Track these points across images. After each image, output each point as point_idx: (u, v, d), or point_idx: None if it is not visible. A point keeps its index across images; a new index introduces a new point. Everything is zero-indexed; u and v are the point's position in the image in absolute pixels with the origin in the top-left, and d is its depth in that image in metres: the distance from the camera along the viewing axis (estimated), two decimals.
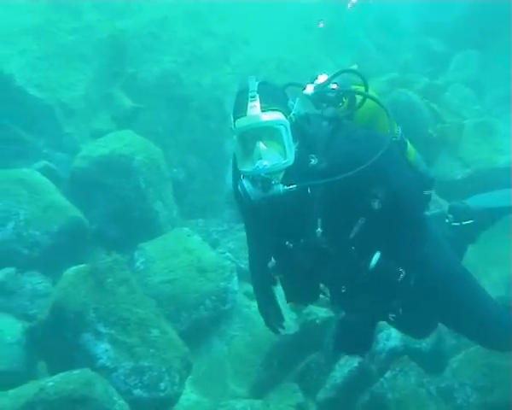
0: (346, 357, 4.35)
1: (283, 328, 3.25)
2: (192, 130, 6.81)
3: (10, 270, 4.69)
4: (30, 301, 4.59)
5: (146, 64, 7.00)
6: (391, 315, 2.87)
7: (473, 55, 8.59)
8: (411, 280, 2.79)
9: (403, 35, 8.77)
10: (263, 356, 4.54)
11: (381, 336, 4.41)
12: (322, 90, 2.77)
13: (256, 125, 2.51)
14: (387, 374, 3.99)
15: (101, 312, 3.92)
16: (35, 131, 6.12)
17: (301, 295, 2.94)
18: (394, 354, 4.33)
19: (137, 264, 5.07)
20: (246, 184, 2.53)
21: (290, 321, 4.72)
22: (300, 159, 2.57)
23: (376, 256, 2.66)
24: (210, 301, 4.81)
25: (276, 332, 3.25)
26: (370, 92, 2.80)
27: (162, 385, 3.85)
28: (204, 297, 4.82)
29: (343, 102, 2.78)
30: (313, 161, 2.58)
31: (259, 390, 4.42)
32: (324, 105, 2.76)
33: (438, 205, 5.57)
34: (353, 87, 2.85)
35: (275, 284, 3.15)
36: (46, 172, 5.57)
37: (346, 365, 4.29)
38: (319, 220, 2.61)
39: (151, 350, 3.93)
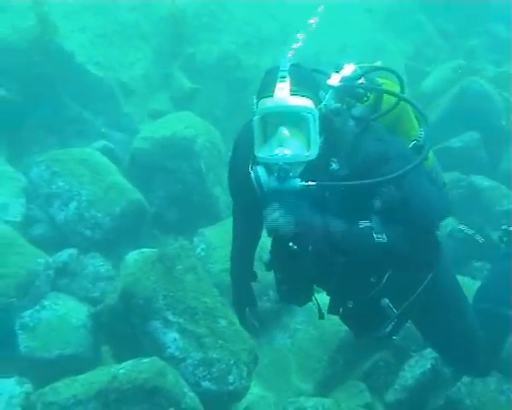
0: (416, 358, 4.18)
1: (257, 329, 3.16)
2: (249, 114, 6.62)
3: (73, 251, 4.62)
4: (92, 284, 4.51)
5: (205, 44, 6.83)
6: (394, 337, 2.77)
7: None
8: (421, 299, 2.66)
9: (467, 20, 8.39)
10: (328, 352, 4.37)
11: None
12: (350, 83, 2.52)
13: (282, 108, 2.29)
14: (464, 379, 3.80)
15: (170, 299, 3.81)
16: (93, 110, 6.04)
17: (295, 297, 2.79)
18: None
19: (198, 250, 4.94)
20: (260, 171, 2.33)
21: None
22: (320, 159, 2.35)
23: (388, 273, 2.52)
24: (274, 292, 4.63)
25: (251, 332, 3.19)
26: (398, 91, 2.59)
27: (231, 378, 3.72)
28: (267, 288, 4.63)
29: (368, 98, 2.55)
30: (334, 166, 2.38)
31: (324, 387, 4.26)
32: (347, 99, 2.53)
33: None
34: (381, 84, 2.63)
35: (255, 280, 3.07)
36: (105, 152, 5.49)
37: (418, 366, 4.11)
38: None
39: (219, 341, 3.80)
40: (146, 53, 6.56)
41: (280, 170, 2.28)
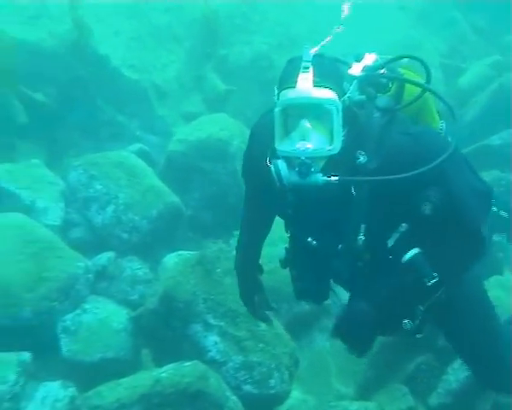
0: (460, 361, 4.08)
1: (270, 320, 3.03)
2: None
3: (110, 254, 4.64)
4: (130, 287, 4.52)
5: (237, 45, 6.82)
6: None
7: None
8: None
9: (502, 16, 8.20)
10: (369, 355, 4.29)
11: None
12: (373, 73, 2.38)
13: (305, 99, 2.16)
14: None
15: (210, 303, 3.80)
16: (128, 113, 6.08)
17: (312, 294, 2.65)
18: None
19: (234, 252, 4.91)
20: (281, 165, 2.19)
21: None
22: (346, 153, 2.22)
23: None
24: None
25: (265, 321, 3.02)
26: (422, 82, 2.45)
27: (272, 382, 3.69)
28: None
29: (389, 88, 2.43)
30: (362, 159, 2.24)
31: (365, 391, 4.19)
32: (368, 89, 2.38)
33: None
34: (403, 74, 2.50)
35: (261, 274, 2.97)
36: (141, 154, 5.51)
37: (462, 369, 4.00)
38: (363, 226, 2.29)
39: (260, 345, 3.78)
40: (179, 55, 6.58)
41: (301, 164, 2.17)
